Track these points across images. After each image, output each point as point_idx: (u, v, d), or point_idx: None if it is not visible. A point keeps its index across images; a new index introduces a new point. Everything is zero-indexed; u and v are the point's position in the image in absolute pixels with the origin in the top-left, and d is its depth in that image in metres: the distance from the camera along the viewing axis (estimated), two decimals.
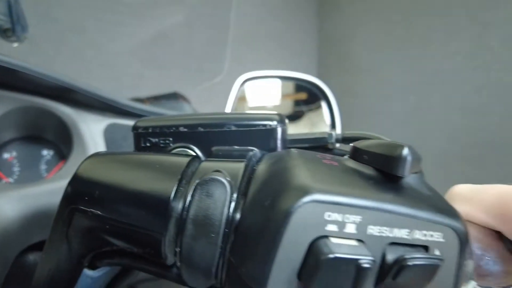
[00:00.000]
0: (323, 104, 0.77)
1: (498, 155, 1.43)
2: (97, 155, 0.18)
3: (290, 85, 0.93)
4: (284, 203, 0.13)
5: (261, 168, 0.16)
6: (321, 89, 0.64)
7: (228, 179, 0.15)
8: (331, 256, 0.11)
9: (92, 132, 0.43)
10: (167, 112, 0.48)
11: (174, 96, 0.50)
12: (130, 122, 0.46)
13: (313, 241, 0.12)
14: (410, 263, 0.12)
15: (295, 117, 1.01)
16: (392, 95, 1.87)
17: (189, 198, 0.15)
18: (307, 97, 0.85)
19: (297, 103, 0.97)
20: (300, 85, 0.84)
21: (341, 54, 2.19)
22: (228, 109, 0.58)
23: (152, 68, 1.10)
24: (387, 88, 1.90)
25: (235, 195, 0.15)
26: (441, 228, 0.13)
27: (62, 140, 0.45)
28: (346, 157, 0.17)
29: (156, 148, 0.20)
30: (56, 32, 1.21)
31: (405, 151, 0.14)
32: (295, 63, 2.15)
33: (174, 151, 0.20)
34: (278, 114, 0.21)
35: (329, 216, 0.12)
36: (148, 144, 0.20)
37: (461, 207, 0.17)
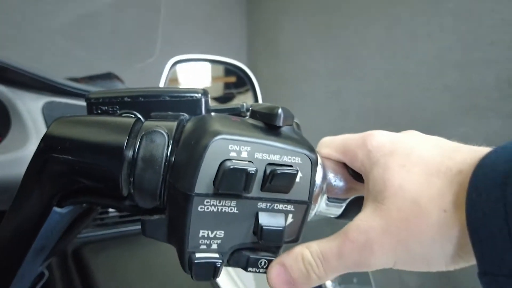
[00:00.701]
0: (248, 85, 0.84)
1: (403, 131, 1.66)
2: (63, 117, 0.23)
3: (220, 69, 0.99)
4: (203, 140, 0.20)
5: (189, 125, 0.23)
6: (246, 72, 0.72)
7: (166, 131, 0.22)
8: (231, 167, 0.19)
9: (30, 109, 0.46)
10: None
11: (108, 76, 0.53)
12: (68, 100, 0.49)
13: (222, 162, 0.20)
14: (278, 172, 0.20)
15: (225, 99, 1.07)
16: (315, 80, 2.03)
17: (137, 145, 0.22)
18: (236, 80, 0.91)
19: (227, 86, 1.03)
20: (229, 69, 0.90)
21: (269, 40, 2.30)
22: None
23: (80, 48, 1.08)
24: (311, 74, 2.06)
25: (171, 141, 0.22)
26: (299, 155, 0.21)
27: None
28: (247, 117, 0.25)
29: (106, 115, 0.26)
30: None
31: (280, 110, 0.22)
32: (226, 47, 2.21)
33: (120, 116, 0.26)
34: (202, 89, 0.27)
35: (231, 147, 0.20)
36: (99, 111, 0.26)
37: (324, 150, 0.26)
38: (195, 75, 0.98)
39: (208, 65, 0.94)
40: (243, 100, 0.97)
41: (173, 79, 0.86)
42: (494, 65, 1.37)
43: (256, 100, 0.85)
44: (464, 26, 1.46)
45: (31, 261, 0.27)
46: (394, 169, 0.20)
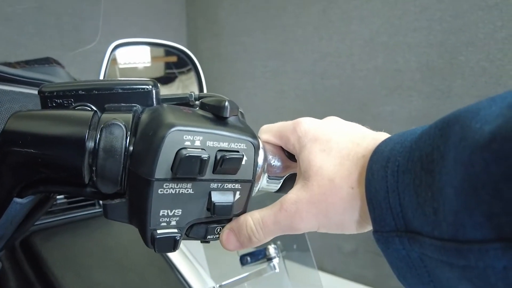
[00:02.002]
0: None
1: (338, 110, 1.78)
2: (19, 112, 0.24)
3: (161, 49, 0.97)
4: (161, 132, 0.23)
5: (144, 116, 0.26)
6: (188, 55, 0.73)
7: (123, 123, 0.24)
8: (187, 154, 0.22)
9: None
10: (41, 77, 0.50)
11: (46, 61, 0.51)
12: (3, 87, 0.47)
13: (178, 150, 0.23)
14: (227, 157, 0.24)
15: (167, 79, 1.06)
16: (255, 60, 2.07)
17: (98, 137, 0.24)
18: (178, 60, 0.91)
19: (169, 65, 1.02)
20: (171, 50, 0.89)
21: (209, 18, 2.27)
22: (101, 73, 0.62)
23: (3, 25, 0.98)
24: (251, 54, 2.09)
25: (128, 133, 0.24)
26: (244, 141, 0.25)
27: None
28: (197, 108, 0.28)
29: (61, 107, 0.27)
30: None
31: (226, 103, 0.25)
32: (165, 25, 2.14)
33: (76, 109, 0.27)
34: (153, 80, 0.29)
35: (185, 137, 0.23)
36: (54, 104, 0.27)
37: (264, 135, 0.30)
38: (134, 56, 0.96)
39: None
40: (185, 81, 0.97)
41: (112, 59, 0.83)
42: (416, 49, 1.52)
43: (199, 82, 0.86)
44: (391, 12, 1.58)
45: None
46: (316, 152, 0.25)
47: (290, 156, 0.29)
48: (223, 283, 0.50)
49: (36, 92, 0.45)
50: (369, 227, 0.24)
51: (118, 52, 0.82)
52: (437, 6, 1.44)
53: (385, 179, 0.21)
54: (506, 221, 0.14)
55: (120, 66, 0.93)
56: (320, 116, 0.31)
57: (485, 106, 0.17)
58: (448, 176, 0.17)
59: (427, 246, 0.18)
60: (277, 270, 0.52)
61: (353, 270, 1.79)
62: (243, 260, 0.53)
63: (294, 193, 0.25)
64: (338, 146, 0.25)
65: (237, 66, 2.16)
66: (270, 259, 0.52)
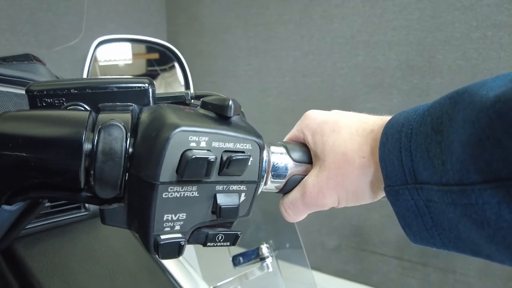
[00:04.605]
0: (176, 65, 0.83)
1: (319, 107, 1.79)
2: (8, 112, 0.22)
3: (142, 46, 0.94)
4: (164, 133, 0.22)
5: (144, 116, 0.24)
6: (174, 51, 0.71)
7: (122, 124, 0.23)
8: (193, 156, 0.21)
9: None
10: (21, 74, 0.48)
11: (26, 57, 0.48)
12: None
13: (183, 152, 0.22)
14: (233, 158, 0.23)
15: (149, 76, 1.03)
16: (237, 58, 2.05)
17: (96, 139, 0.22)
18: (159, 57, 0.88)
19: (150, 63, 0.99)
20: (152, 46, 0.87)
21: (190, 15, 2.23)
22: (85, 70, 0.59)
23: None
24: (233, 51, 2.07)
25: (128, 134, 0.23)
26: (249, 141, 0.24)
27: None
28: (198, 107, 0.27)
29: (51, 107, 0.25)
30: None
31: (230, 102, 0.24)
32: (145, 21, 2.09)
33: (68, 108, 0.26)
34: (149, 78, 0.28)
35: (190, 138, 0.22)
36: (44, 104, 0.25)
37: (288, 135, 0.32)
38: (115, 53, 0.93)
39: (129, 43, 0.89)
40: (167, 78, 0.95)
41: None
42: (396, 48, 1.54)
43: (186, 79, 0.84)
44: (371, 11, 1.60)
45: None
46: (328, 133, 0.28)
47: (295, 159, 0.29)
48: (216, 284, 0.49)
49: (15, 90, 0.43)
50: (381, 194, 0.26)
51: (99, 49, 0.79)
52: (416, 5, 1.47)
53: (399, 141, 0.24)
54: (503, 165, 0.17)
55: (101, 64, 0.90)
56: (303, 113, 0.33)
57: (491, 80, 0.20)
58: (456, 133, 0.20)
59: (434, 192, 0.21)
60: (270, 269, 0.52)
61: (336, 266, 1.81)
62: (235, 260, 0.52)
63: (314, 175, 0.28)
64: (346, 125, 0.28)
65: (219, 64, 2.14)
66: (263, 259, 0.52)
